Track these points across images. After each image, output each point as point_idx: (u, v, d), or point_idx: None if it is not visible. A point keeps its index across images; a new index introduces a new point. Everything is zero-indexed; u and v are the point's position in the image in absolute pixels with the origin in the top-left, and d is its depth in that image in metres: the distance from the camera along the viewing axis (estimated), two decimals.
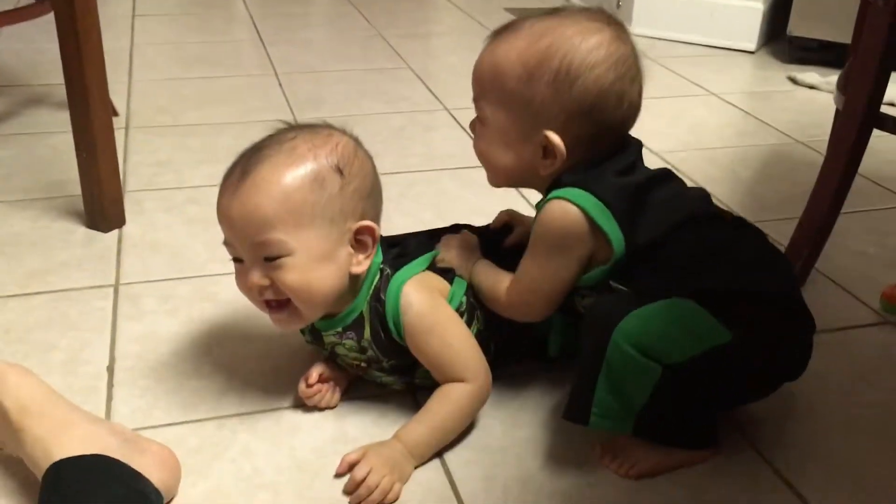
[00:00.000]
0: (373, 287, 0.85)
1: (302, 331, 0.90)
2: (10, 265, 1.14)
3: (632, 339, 0.75)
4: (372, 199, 0.84)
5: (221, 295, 1.08)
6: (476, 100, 0.85)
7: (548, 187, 0.83)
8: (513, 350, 0.94)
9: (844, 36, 1.99)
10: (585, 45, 0.79)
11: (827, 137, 1.22)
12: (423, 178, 1.45)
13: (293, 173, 0.78)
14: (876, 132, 1.07)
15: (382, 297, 0.84)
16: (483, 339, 0.88)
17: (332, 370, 0.90)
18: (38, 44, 2.05)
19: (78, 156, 1.21)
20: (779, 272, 0.83)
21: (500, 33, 0.84)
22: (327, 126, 0.85)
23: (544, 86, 0.79)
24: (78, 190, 1.24)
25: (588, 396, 0.78)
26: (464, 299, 0.88)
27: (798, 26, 2.14)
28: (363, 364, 0.88)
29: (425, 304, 0.83)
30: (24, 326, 1.01)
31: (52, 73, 1.81)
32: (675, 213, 0.81)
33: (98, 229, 1.23)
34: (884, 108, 1.07)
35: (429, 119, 1.71)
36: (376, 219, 0.85)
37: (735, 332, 0.76)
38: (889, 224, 1.34)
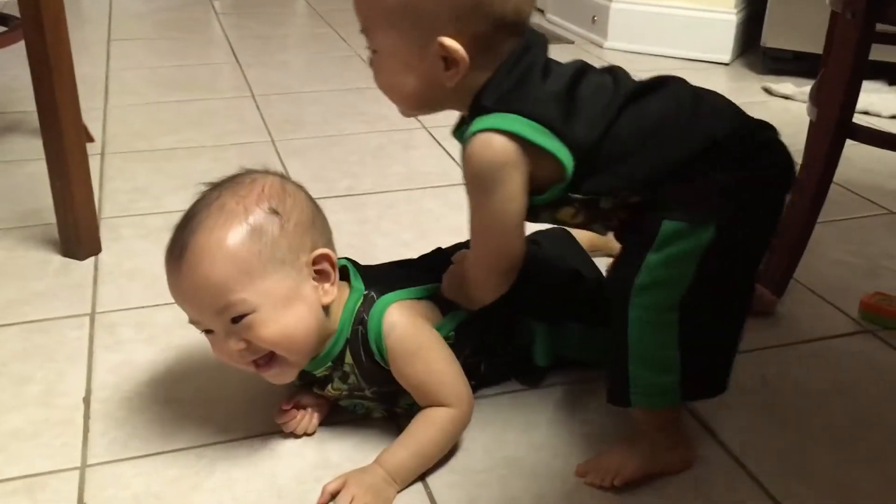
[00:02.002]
0: (355, 310, 0.84)
1: None
2: None
3: (646, 305, 0.77)
4: (317, 227, 0.83)
5: None
6: (363, 32, 0.80)
7: (470, 108, 0.78)
8: (501, 370, 0.94)
9: (817, 46, 2.00)
10: None
11: (803, 147, 1.22)
12: (404, 198, 1.45)
13: (230, 231, 0.77)
14: (850, 141, 1.08)
15: (365, 318, 0.83)
16: (472, 365, 0.88)
17: (310, 396, 0.89)
18: (13, 70, 2.03)
19: (52, 184, 1.20)
20: (720, 111, 0.81)
21: None
22: (248, 172, 0.84)
23: None
24: (53, 218, 1.23)
25: (623, 377, 0.79)
26: (452, 334, 0.87)
27: (771, 38, 2.16)
28: (345, 393, 0.87)
29: (409, 326, 0.82)
30: None
31: (26, 100, 1.79)
32: (605, 103, 0.77)
33: (74, 257, 1.22)
34: (857, 117, 1.08)
35: (407, 138, 1.71)
36: (329, 244, 0.84)
37: (716, 219, 0.75)
38: (866, 233, 1.35)
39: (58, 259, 1.22)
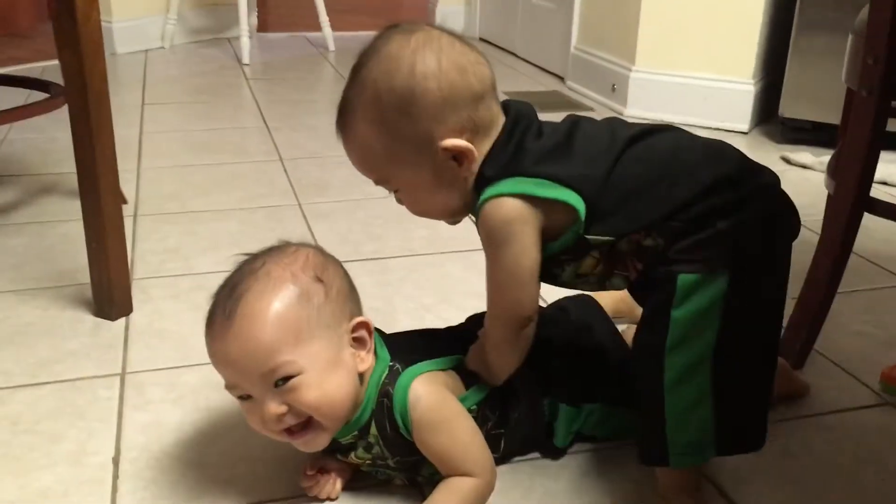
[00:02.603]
0: (380, 382, 0.85)
1: None
2: (21, 355, 1.15)
3: (679, 365, 0.78)
4: (353, 297, 0.87)
5: None
6: (378, 183, 0.86)
7: (475, 184, 0.82)
8: (522, 444, 0.95)
9: (835, 117, 2.03)
10: (391, 66, 0.79)
11: (821, 217, 1.24)
12: (426, 262, 1.47)
13: (278, 296, 0.79)
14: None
15: (391, 390, 0.84)
16: (493, 438, 0.89)
17: (333, 461, 0.90)
18: (50, 133, 2.11)
19: (88, 246, 1.24)
20: (721, 154, 0.84)
21: (340, 124, 0.83)
22: (287, 244, 0.87)
23: (398, 121, 0.79)
24: (87, 278, 1.26)
25: (661, 440, 0.81)
26: (475, 407, 0.88)
27: (789, 108, 2.20)
28: (368, 461, 0.88)
29: (433, 398, 0.83)
30: (32, 417, 1.02)
31: (62, 162, 1.87)
32: (604, 147, 0.81)
33: (106, 317, 1.25)
34: (876, 187, 1.09)
35: None
36: (360, 314, 0.87)
37: (726, 265, 0.78)
38: (886, 303, 1.35)
39: (90, 319, 1.25)
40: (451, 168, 0.81)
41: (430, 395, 0.83)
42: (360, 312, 0.86)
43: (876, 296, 1.38)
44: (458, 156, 0.81)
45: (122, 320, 1.25)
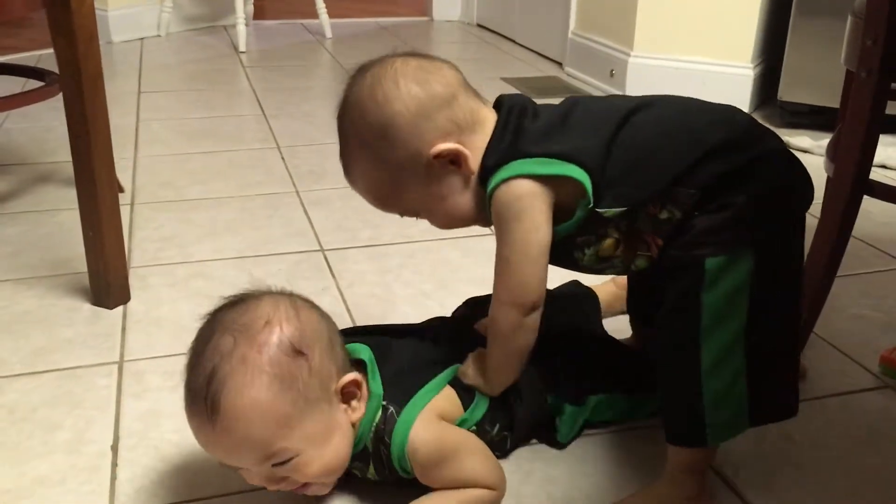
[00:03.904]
0: (375, 423, 0.83)
1: None
2: (18, 343, 1.15)
3: (716, 347, 0.78)
4: (335, 348, 0.82)
5: None
6: (403, 215, 0.87)
7: (479, 177, 0.83)
8: (527, 437, 0.95)
9: (834, 100, 2.02)
10: (360, 107, 0.82)
11: (821, 200, 1.23)
12: (424, 248, 1.47)
13: (261, 388, 0.75)
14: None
15: (387, 440, 0.82)
16: (498, 440, 0.90)
17: None
18: (46, 122, 2.10)
19: (84, 235, 1.23)
20: (725, 116, 0.84)
21: (347, 175, 0.87)
22: (254, 300, 0.80)
23: (381, 147, 0.81)
24: (84, 267, 1.26)
25: (699, 420, 0.80)
26: (475, 428, 0.88)
27: (788, 92, 2.19)
28: (369, 478, 0.87)
29: (431, 444, 0.81)
30: (29, 406, 1.02)
31: (59, 151, 1.86)
32: (603, 121, 0.82)
33: (103, 306, 1.24)
34: (875, 170, 1.09)
35: None
36: (346, 361, 0.84)
37: (750, 245, 0.78)
38: (885, 286, 1.35)
39: (87, 307, 1.25)
40: (453, 172, 0.83)
41: (428, 443, 0.81)
42: (345, 362, 0.83)
43: (875, 279, 1.38)
44: (454, 158, 0.82)
45: (119, 308, 1.25)
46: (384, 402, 0.83)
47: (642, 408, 0.97)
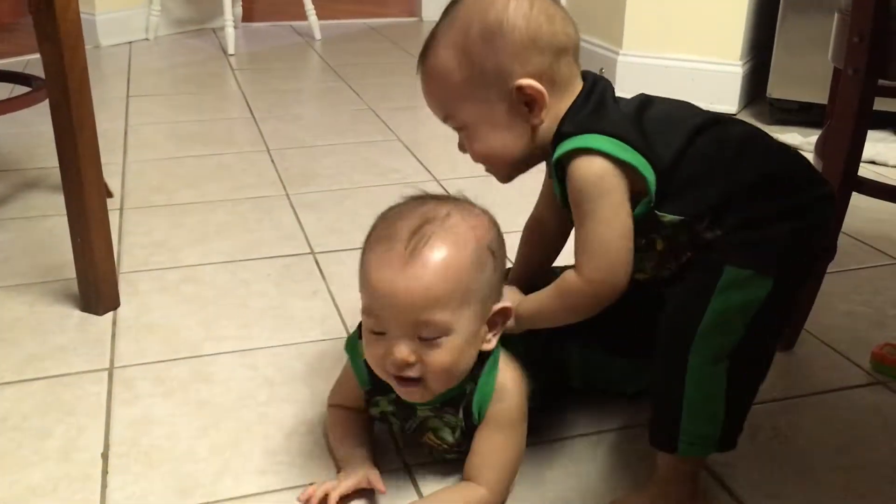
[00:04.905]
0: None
1: (376, 402, 0.89)
2: (7, 351, 1.14)
3: (705, 352, 0.78)
4: (503, 279, 0.86)
5: (217, 375, 1.09)
6: (446, 119, 0.86)
7: (553, 145, 0.83)
8: (543, 395, 0.95)
9: (823, 97, 2.05)
10: (486, 2, 0.82)
11: None
12: None
13: (462, 254, 0.78)
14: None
15: (478, 375, 0.84)
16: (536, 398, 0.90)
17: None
18: (34, 127, 2.08)
19: (73, 241, 1.22)
20: (786, 151, 0.86)
21: (423, 55, 0.86)
22: (468, 202, 0.85)
23: (482, 50, 0.81)
24: (73, 273, 1.25)
25: (674, 426, 0.81)
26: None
27: (777, 88, 2.19)
28: (444, 447, 0.88)
29: (516, 401, 0.84)
30: (19, 414, 1.01)
31: (47, 157, 1.84)
32: (677, 126, 0.82)
33: (93, 312, 1.24)
34: (864, 166, 1.09)
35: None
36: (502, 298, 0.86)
37: (777, 270, 0.78)
38: (875, 282, 1.35)
39: (77, 314, 1.24)
40: (521, 112, 0.83)
41: (514, 395, 0.84)
42: (502, 296, 0.86)
43: (865, 275, 1.38)
44: (530, 101, 0.82)
45: (109, 315, 1.24)
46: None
47: (637, 377, 0.98)
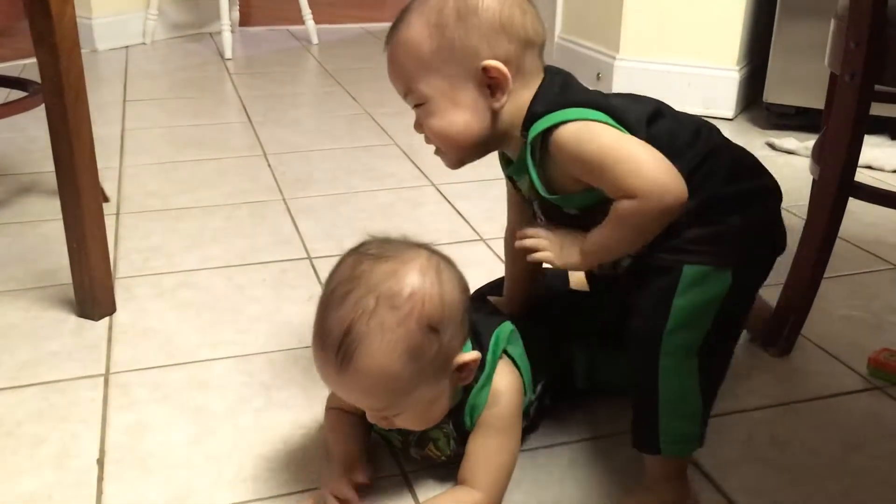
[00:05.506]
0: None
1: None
2: (2, 357, 1.14)
3: (673, 351, 0.80)
4: (465, 324, 0.83)
5: (213, 381, 1.08)
6: (406, 94, 0.85)
7: (523, 124, 0.83)
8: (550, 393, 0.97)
9: (819, 102, 2.03)
10: None
11: (807, 202, 1.24)
12: None
13: (392, 358, 0.76)
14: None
15: (470, 388, 0.85)
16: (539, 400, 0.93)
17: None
18: (30, 132, 2.08)
19: (69, 246, 1.22)
20: (725, 141, 0.87)
21: (394, 27, 0.85)
22: (403, 265, 0.79)
23: (455, 26, 0.81)
24: (69, 278, 1.25)
25: (654, 426, 0.82)
26: (534, 397, 0.91)
27: (773, 93, 2.20)
28: (444, 459, 0.90)
29: (510, 405, 0.85)
30: (14, 420, 1.01)
31: (43, 161, 1.84)
32: (640, 108, 0.84)
33: (89, 317, 1.23)
34: (861, 171, 1.09)
35: (416, 195, 1.74)
36: (468, 332, 0.84)
37: (734, 263, 0.81)
38: (872, 288, 1.35)
39: (73, 319, 1.24)
40: (484, 94, 0.83)
41: (509, 401, 0.85)
42: (467, 334, 0.84)
43: (862, 280, 1.38)
44: (494, 84, 0.82)
45: (105, 320, 1.24)
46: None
47: None
